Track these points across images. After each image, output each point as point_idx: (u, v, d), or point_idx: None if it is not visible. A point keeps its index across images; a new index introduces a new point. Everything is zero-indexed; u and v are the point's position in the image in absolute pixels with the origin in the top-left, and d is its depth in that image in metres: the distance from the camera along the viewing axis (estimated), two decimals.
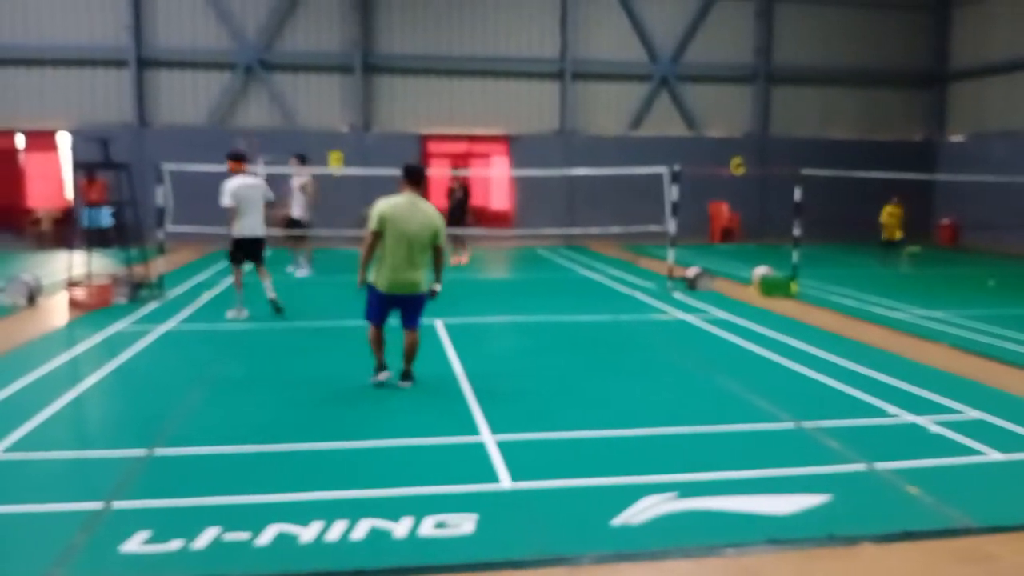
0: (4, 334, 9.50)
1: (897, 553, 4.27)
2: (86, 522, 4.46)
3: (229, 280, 14.02)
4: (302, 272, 15.08)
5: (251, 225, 10.43)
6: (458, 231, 16.35)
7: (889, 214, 18.27)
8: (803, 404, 6.90)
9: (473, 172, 22.83)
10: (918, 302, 12.40)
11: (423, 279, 7.18)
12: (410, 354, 7.35)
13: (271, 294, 10.71)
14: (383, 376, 7.37)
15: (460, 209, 16.77)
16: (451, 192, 17.15)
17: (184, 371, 7.98)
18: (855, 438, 5.99)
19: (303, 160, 15.16)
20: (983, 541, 4.41)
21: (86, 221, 15.57)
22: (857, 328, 10.41)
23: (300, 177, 14.87)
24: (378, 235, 6.95)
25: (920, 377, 7.80)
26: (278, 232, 14.49)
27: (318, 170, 18.43)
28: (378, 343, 7.36)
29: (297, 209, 14.84)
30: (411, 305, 7.24)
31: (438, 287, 7.33)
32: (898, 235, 18.19)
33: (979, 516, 4.66)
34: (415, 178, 7.16)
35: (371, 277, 7.15)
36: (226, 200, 10.21)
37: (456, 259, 16.67)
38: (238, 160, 10.57)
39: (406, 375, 7.39)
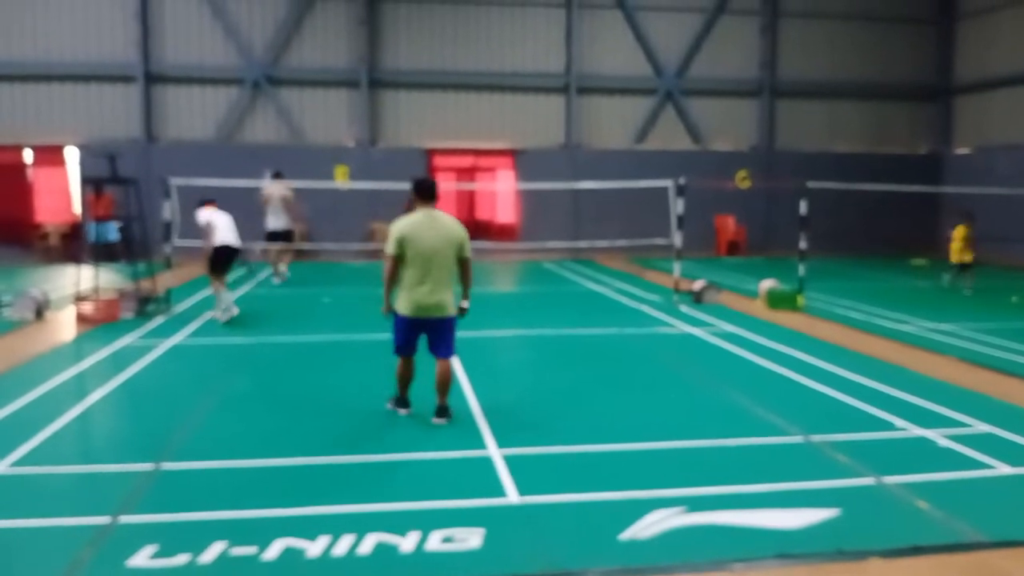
0: (12, 348, 9.54)
1: (906, 568, 4.24)
2: (93, 537, 4.46)
3: (236, 294, 14.08)
4: (279, 280, 15.93)
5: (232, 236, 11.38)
6: None
7: (958, 237, 15.74)
8: (811, 418, 6.88)
9: (479, 186, 22.91)
10: (925, 315, 12.37)
11: (451, 300, 6.65)
12: (443, 386, 6.72)
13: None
14: (403, 412, 6.92)
15: None
16: None
17: (191, 385, 8.00)
18: (863, 452, 5.96)
19: (279, 176, 15.86)
20: (993, 555, 4.38)
21: (93, 236, 15.64)
22: (864, 341, 10.38)
23: (284, 192, 15.46)
24: (397, 259, 6.49)
25: (928, 390, 7.76)
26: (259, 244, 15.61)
27: (325, 184, 18.53)
28: (406, 379, 6.86)
29: (280, 222, 15.43)
30: (440, 330, 6.64)
31: (466, 304, 6.87)
32: (967, 258, 15.64)
33: (989, 530, 4.63)
34: (427, 192, 6.63)
35: (395, 303, 6.68)
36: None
37: None
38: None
39: (441, 411, 6.73)
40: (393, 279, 6.62)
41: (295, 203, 15.61)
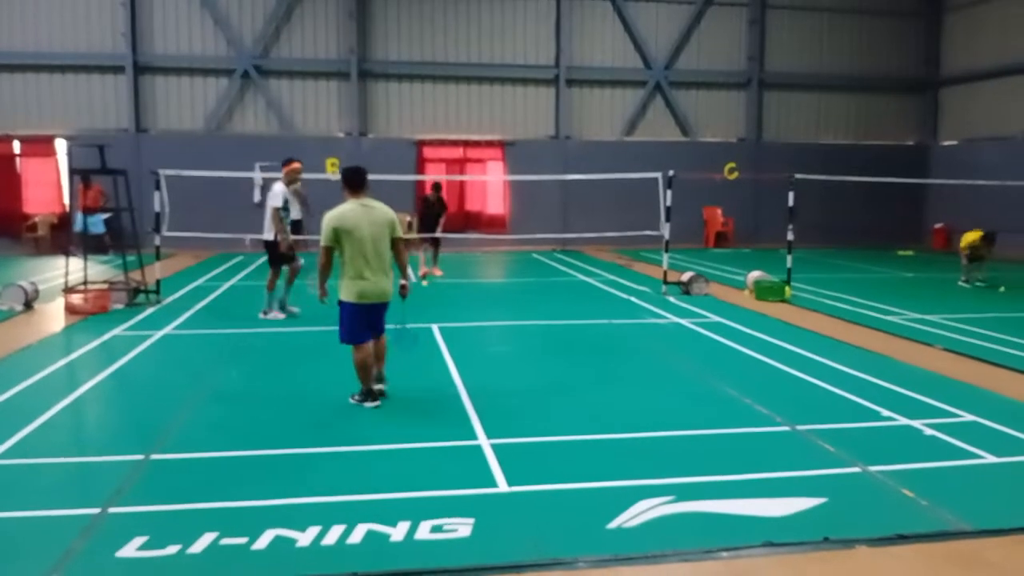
0: (1, 339, 9.49)
1: (892, 556, 4.29)
2: (83, 527, 4.46)
3: (226, 285, 14.05)
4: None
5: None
6: (432, 237, 15.95)
7: (970, 243, 15.13)
8: (798, 407, 6.93)
9: (468, 177, 22.88)
10: (911, 306, 12.46)
11: (391, 285, 6.91)
12: (381, 356, 7.11)
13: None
14: (370, 405, 6.86)
15: (435, 218, 15.90)
16: (426, 200, 16.37)
17: (181, 376, 7.99)
18: (849, 441, 6.02)
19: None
20: (978, 544, 4.43)
21: (80, 226, 15.56)
22: (851, 331, 10.45)
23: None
24: (330, 250, 6.69)
25: (914, 380, 7.83)
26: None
27: (315, 176, 18.40)
28: (367, 367, 6.86)
29: (295, 211, 15.08)
30: (382, 312, 6.98)
31: (404, 282, 7.09)
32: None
33: (974, 519, 4.68)
34: (357, 182, 6.78)
35: (341, 295, 6.79)
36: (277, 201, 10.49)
37: (426, 271, 15.83)
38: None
39: (379, 377, 7.14)
40: (327, 269, 6.82)
41: (304, 193, 15.62)
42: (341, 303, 6.81)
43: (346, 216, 6.62)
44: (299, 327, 10.45)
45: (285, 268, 10.84)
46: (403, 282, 7.10)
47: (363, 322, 6.81)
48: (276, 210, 10.50)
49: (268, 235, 10.61)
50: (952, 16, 24.19)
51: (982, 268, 15.21)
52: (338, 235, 6.59)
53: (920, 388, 7.53)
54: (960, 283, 15.33)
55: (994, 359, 8.85)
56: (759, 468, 5.46)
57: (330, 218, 6.65)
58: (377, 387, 7.03)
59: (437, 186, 16.30)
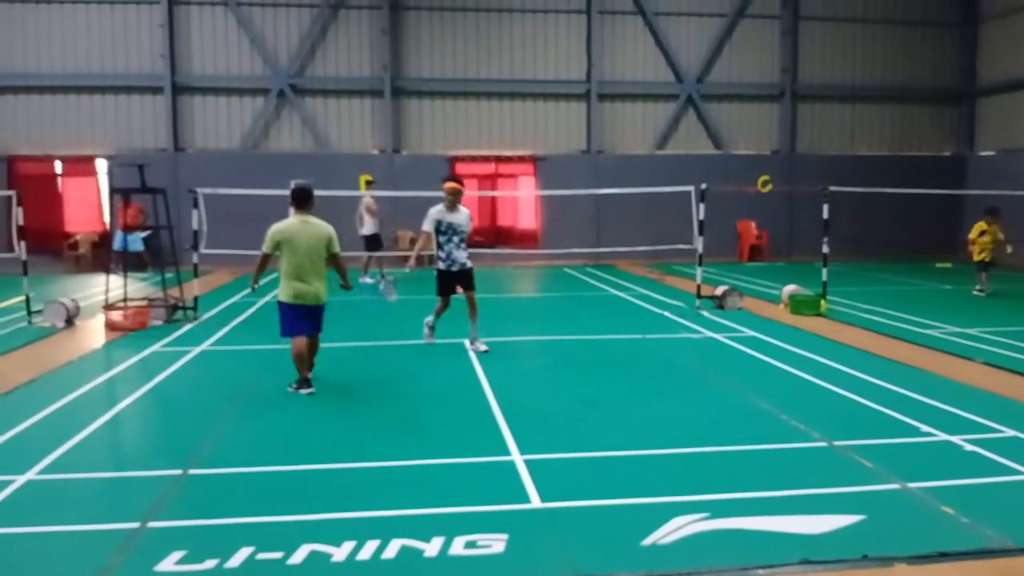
0: (43, 356, 9.70)
1: (932, 574, 4.22)
2: (122, 542, 4.53)
3: (261, 301, 14.21)
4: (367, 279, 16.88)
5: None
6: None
7: (981, 232, 15.20)
8: (835, 423, 6.85)
9: (501, 193, 22.97)
10: (950, 319, 12.25)
11: (324, 289, 7.96)
12: (313, 352, 8.19)
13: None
14: (305, 391, 7.83)
15: None
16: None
17: (219, 391, 8.10)
18: (888, 457, 5.93)
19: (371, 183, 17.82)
20: (1020, 562, 4.33)
21: (120, 245, 15.88)
22: (888, 346, 10.30)
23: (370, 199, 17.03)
24: (268, 256, 7.84)
25: (953, 395, 7.70)
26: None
27: (349, 193, 18.66)
28: (301, 358, 7.87)
29: (372, 227, 17.05)
30: (316, 314, 8.00)
31: (349, 284, 8.28)
32: (987, 257, 15.21)
33: (1017, 536, 4.59)
34: (301, 200, 7.92)
35: (279, 295, 7.89)
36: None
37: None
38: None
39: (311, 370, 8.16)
40: (261, 270, 7.99)
41: (376, 209, 17.24)
42: (279, 303, 7.92)
43: (286, 229, 7.80)
44: (334, 342, 10.53)
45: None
46: (345, 285, 8.28)
47: (296, 319, 7.86)
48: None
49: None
50: (987, 25, 23.84)
51: (989, 272, 15.23)
52: (279, 244, 7.76)
53: (960, 403, 7.39)
54: (975, 292, 15.27)
55: None
56: (796, 484, 5.39)
57: (274, 230, 7.82)
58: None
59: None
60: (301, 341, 7.89)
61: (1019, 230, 20.39)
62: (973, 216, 23.53)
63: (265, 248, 7.83)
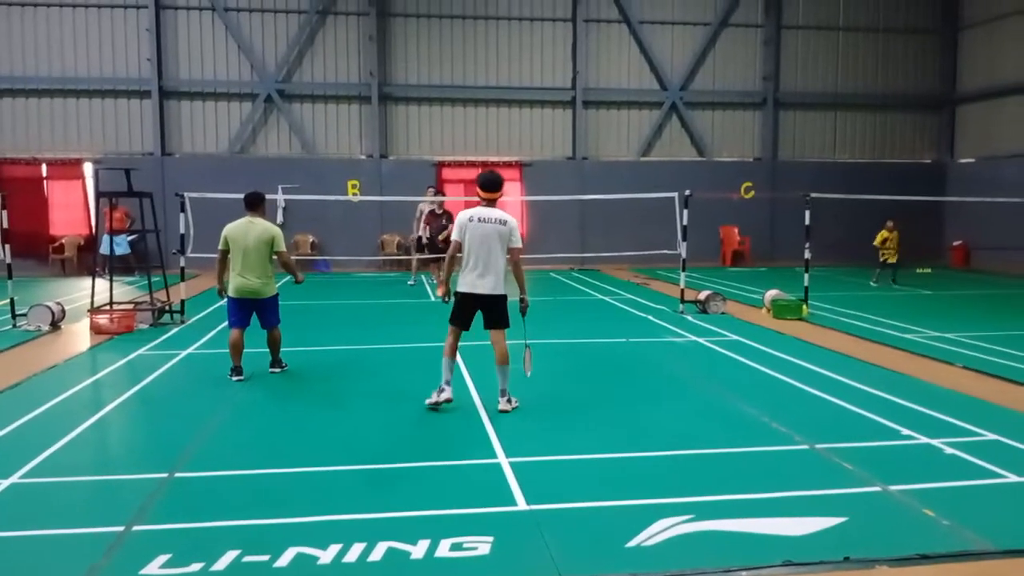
0: (27, 359, 9.65)
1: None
2: (107, 546, 4.52)
3: None
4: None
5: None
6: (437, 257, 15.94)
7: (884, 240, 18.31)
8: (816, 426, 6.91)
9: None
10: (931, 324, 12.38)
11: (267, 286, 8.55)
12: (273, 346, 8.86)
13: None
14: (235, 378, 8.46)
15: (443, 230, 15.80)
16: (435, 217, 16.46)
17: (205, 395, 8.08)
18: (870, 460, 6.00)
19: (432, 189, 18.15)
20: (1001, 565, 4.40)
21: (105, 248, 15.80)
22: (869, 350, 10.40)
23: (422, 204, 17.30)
24: (225, 253, 8.50)
25: (934, 399, 7.79)
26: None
27: (336, 197, 18.71)
28: (237, 348, 8.51)
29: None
30: (262, 308, 8.63)
31: (299, 278, 8.90)
32: (891, 259, 18.30)
33: (997, 539, 4.65)
34: (250, 203, 8.61)
35: (228, 289, 8.52)
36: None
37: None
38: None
39: (275, 363, 8.93)
40: (222, 268, 8.64)
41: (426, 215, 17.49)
42: (227, 295, 8.59)
43: (234, 229, 8.50)
44: (319, 346, 10.53)
45: None
46: (297, 279, 8.89)
47: (233, 310, 8.55)
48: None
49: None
50: (969, 33, 24.13)
51: (896, 271, 18.01)
52: (227, 242, 8.48)
53: (940, 407, 7.48)
54: (872, 283, 18.01)
55: (1016, 377, 8.77)
56: (778, 487, 5.45)
57: (224, 230, 8.53)
58: (274, 369, 8.88)
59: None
60: (236, 332, 8.54)
61: (997, 236, 20.71)
62: (953, 223, 23.97)
63: (220, 246, 8.54)
